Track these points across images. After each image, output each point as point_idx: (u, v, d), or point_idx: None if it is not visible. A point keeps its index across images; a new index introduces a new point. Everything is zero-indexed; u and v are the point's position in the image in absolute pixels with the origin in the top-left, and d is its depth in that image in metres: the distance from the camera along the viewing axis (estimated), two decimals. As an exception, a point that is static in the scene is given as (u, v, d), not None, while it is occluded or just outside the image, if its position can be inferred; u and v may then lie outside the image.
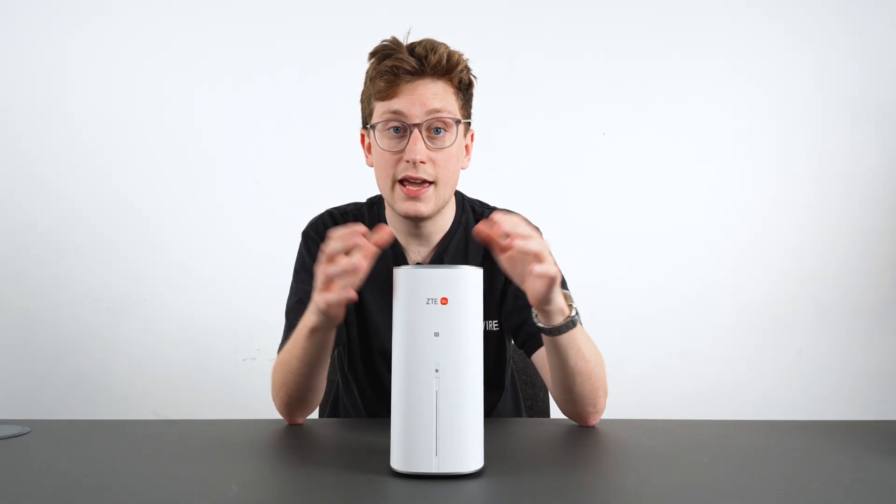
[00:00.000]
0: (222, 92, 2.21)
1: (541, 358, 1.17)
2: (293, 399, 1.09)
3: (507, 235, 0.90)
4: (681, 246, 2.23)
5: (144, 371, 2.15)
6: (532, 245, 0.90)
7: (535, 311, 1.00)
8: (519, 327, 1.22)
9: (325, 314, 0.94)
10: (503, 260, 0.95)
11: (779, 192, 2.25)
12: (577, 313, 1.00)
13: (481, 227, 0.92)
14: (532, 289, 0.94)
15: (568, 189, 2.23)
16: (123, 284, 2.17)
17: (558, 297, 0.96)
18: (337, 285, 0.89)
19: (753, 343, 2.23)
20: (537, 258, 0.90)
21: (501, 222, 0.90)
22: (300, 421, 1.13)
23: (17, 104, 2.18)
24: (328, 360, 1.08)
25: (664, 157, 2.25)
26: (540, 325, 1.00)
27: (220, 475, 0.84)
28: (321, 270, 0.90)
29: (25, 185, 2.17)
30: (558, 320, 0.98)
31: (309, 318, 1.00)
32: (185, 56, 2.20)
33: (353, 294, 0.89)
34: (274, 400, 1.13)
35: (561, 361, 1.02)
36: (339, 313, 0.94)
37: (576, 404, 1.08)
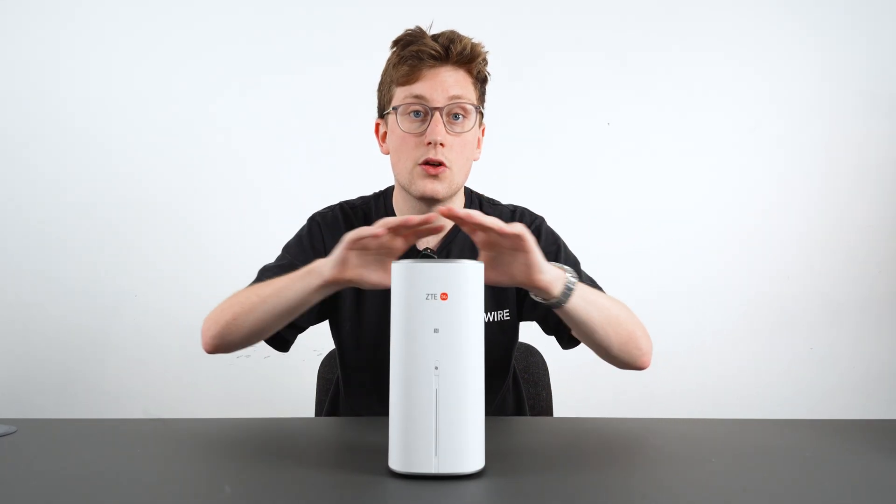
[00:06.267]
0: (218, 87, 2.18)
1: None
2: (239, 328, 1.08)
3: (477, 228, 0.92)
4: (688, 240, 2.22)
5: (135, 369, 2.13)
6: (487, 221, 0.90)
7: (533, 294, 0.99)
8: (546, 315, 1.22)
9: (341, 268, 0.96)
10: (488, 267, 0.90)
11: (787, 186, 2.23)
12: (573, 274, 0.99)
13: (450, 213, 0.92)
14: (519, 268, 0.94)
15: (572, 180, 2.21)
16: (114, 281, 2.14)
17: (547, 266, 0.96)
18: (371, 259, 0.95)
19: (762, 339, 2.21)
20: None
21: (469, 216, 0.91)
22: (218, 352, 1.13)
23: (7, 100, 2.15)
24: (292, 318, 1.07)
25: (670, 149, 2.23)
26: (546, 301, 0.99)
27: (212, 475, 0.83)
28: (366, 235, 0.92)
29: (15, 182, 2.14)
30: (559, 288, 0.97)
31: (319, 272, 1.00)
32: (173, 48, 2.18)
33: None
34: (210, 321, 1.11)
35: (584, 322, 1.02)
36: (352, 277, 0.97)
37: (620, 353, 1.09)
